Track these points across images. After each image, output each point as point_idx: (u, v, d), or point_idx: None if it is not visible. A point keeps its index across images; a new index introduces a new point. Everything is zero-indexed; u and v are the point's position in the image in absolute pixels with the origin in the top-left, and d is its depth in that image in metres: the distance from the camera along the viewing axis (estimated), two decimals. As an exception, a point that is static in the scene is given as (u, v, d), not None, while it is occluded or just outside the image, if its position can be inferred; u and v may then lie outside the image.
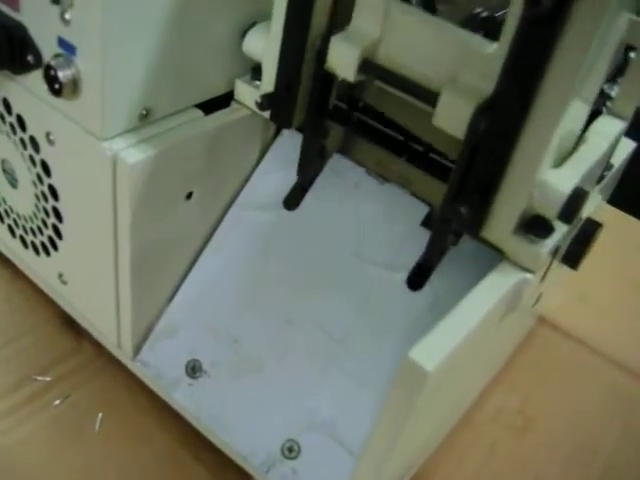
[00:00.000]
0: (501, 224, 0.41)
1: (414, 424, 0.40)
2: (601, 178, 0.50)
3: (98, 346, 0.56)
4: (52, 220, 0.52)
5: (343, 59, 0.43)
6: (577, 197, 0.39)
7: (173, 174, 0.46)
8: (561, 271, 0.57)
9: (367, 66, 0.43)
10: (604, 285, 0.73)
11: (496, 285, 0.40)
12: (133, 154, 0.44)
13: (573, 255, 0.47)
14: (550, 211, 0.39)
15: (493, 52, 0.38)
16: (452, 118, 0.39)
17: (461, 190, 0.40)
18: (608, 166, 0.51)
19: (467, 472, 0.54)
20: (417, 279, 0.47)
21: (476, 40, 0.40)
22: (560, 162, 0.41)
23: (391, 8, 0.42)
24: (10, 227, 0.58)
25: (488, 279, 0.41)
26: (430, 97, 0.41)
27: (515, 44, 0.35)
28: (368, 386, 0.47)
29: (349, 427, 0.47)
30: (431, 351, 0.36)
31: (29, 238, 0.56)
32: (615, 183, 0.57)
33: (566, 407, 0.61)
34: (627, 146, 0.56)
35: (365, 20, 0.43)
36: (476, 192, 0.40)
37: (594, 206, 0.49)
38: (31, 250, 0.56)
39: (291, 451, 0.48)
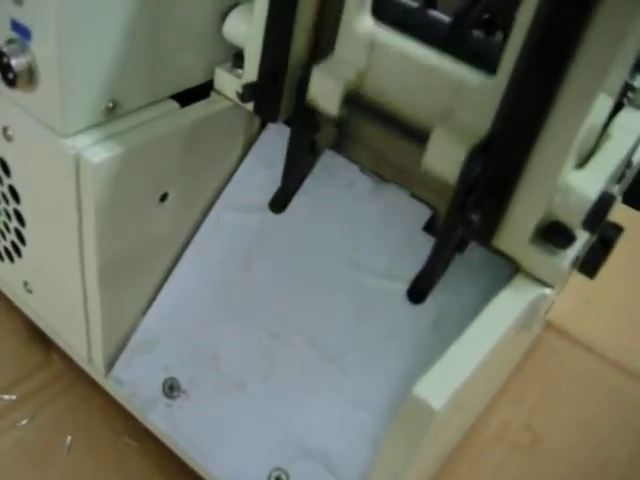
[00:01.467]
0: (516, 232, 0.35)
1: (416, 460, 0.34)
2: (622, 177, 0.44)
3: (68, 360, 0.50)
4: (14, 224, 0.46)
5: (326, 93, 0.38)
6: (603, 203, 0.34)
7: (144, 174, 0.40)
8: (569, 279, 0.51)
9: (351, 100, 0.38)
10: (612, 289, 0.67)
11: (511, 304, 0.34)
12: (98, 152, 0.38)
13: (591, 263, 0.41)
14: (573, 219, 0.33)
15: (492, 85, 0.33)
16: (443, 161, 0.34)
17: (471, 192, 0.34)
18: (629, 163, 0.45)
19: (472, 496, 0.49)
20: (419, 291, 0.41)
21: (472, 73, 0.34)
22: (582, 161, 0.35)
23: (377, 36, 0.36)
24: (-28, 230, 0.51)
25: (502, 296, 0.35)
26: (419, 135, 0.36)
27: (540, 27, 0.29)
28: (364, 409, 0.41)
29: (342, 455, 0.41)
30: (438, 387, 0.30)
31: (-9, 242, 0.50)
32: (630, 181, 0.51)
33: (574, 419, 0.55)
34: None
35: (349, 51, 0.38)
36: (489, 196, 0.34)
37: (614, 208, 0.43)
38: (-6, 255, 0.50)
39: (279, 481, 0.42)
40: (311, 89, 0.38)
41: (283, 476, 0.42)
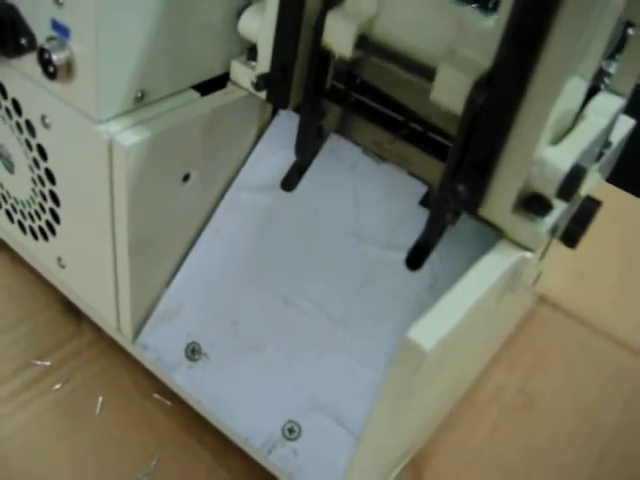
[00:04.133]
0: (499, 202, 0.40)
1: (414, 403, 0.40)
2: (600, 155, 0.50)
3: (98, 330, 0.57)
4: (49, 204, 0.52)
5: (339, 35, 0.43)
6: (576, 174, 0.39)
7: (170, 156, 0.46)
8: (561, 249, 0.57)
9: (364, 42, 0.43)
10: (605, 264, 0.73)
11: (495, 264, 0.40)
12: (129, 137, 0.43)
13: (572, 234, 0.47)
14: (548, 189, 0.39)
15: (491, 26, 0.38)
16: (450, 92, 0.39)
17: (459, 168, 0.40)
18: (607, 143, 0.51)
19: (469, 451, 0.54)
20: (416, 259, 0.47)
21: (474, 14, 0.40)
22: (558, 140, 0.41)
23: None
24: (8, 212, 0.57)
25: (487, 258, 0.40)
26: (427, 72, 0.41)
27: (514, 14, 0.35)
28: (368, 366, 0.47)
29: (349, 407, 0.47)
30: (429, 330, 0.35)
31: (27, 223, 0.56)
32: (614, 161, 0.57)
33: (566, 385, 0.61)
34: (626, 124, 0.56)
35: None
36: (474, 169, 0.39)
37: (593, 184, 0.49)
38: (29, 235, 0.56)
39: (292, 432, 0.48)
40: (326, 34, 0.43)
41: (295, 427, 0.48)
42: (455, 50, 0.40)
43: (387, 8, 0.42)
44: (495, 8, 0.38)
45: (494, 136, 0.38)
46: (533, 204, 0.41)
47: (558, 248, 0.54)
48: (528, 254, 0.41)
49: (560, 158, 0.39)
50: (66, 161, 0.48)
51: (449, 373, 0.46)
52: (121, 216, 0.46)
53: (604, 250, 0.74)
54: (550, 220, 0.41)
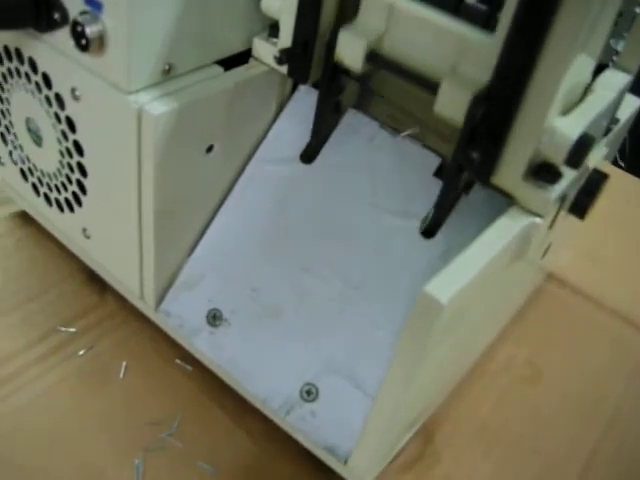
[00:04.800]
0: (511, 170, 0.43)
1: (428, 361, 0.42)
2: (607, 131, 0.52)
3: (121, 299, 0.59)
4: (76, 176, 0.54)
5: (351, 51, 0.46)
6: (584, 142, 0.42)
7: (195, 127, 0.49)
8: (568, 226, 0.59)
9: (373, 57, 0.46)
10: (612, 244, 0.76)
11: (507, 228, 0.43)
12: (157, 106, 0.46)
13: (580, 205, 0.50)
14: (558, 156, 0.42)
15: (491, 43, 0.41)
16: (451, 107, 0.42)
17: (473, 136, 0.43)
18: (614, 119, 0.53)
19: (478, 418, 0.57)
20: (430, 227, 0.50)
21: (474, 33, 0.43)
22: (568, 111, 0.44)
23: (395, 4, 0.45)
24: (34, 185, 0.60)
25: (499, 222, 0.43)
26: (432, 85, 0.44)
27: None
28: (383, 330, 0.49)
29: (366, 369, 0.50)
30: (445, 285, 0.38)
31: (53, 195, 0.58)
32: (621, 140, 0.59)
33: (574, 358, 0.64)
34: (634, 102, 0.58)
35: (371, 16, 0.46)
36: (487, 138, 0.42)
37: (601, 158, 0.52)
38: (55, 207, 0.59)
39: (309, 394, 0.51)
40: (338, 49, 0.46)
41: (313, 389, 0.51)
42: (457, 66, 0.43)
43: (394, 27, 0.46)
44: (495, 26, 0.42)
45: (506, 109, 0.41)
46: (543, 172, 0.43)
47: (566, 224, 0.57)
48: (538, 220, 0.44)
49: (569, 127, 0.41)
50: (95, 132, 0.51)
51: (462, 334, 0.48)
52: (148, 185, 0.49)
53: (611, 231, 0.77)
54: (559, 188, 0.43)
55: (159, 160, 0.48)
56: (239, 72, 0.51)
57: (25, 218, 0.66)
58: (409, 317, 0.39)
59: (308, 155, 0.53)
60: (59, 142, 0.54)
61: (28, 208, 0.64)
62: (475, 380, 0.59)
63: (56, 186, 0.57)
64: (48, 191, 0.59)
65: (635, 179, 0.85)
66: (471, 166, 0.43)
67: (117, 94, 0.47)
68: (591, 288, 0.70)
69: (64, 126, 0.53)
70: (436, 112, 0.43)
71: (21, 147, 0.59)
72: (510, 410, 0.58)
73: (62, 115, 0.52)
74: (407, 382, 0.42)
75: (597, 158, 0.50)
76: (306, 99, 0.54)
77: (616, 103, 0.50)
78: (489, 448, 0.55)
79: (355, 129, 0.53)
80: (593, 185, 0.49)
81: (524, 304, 0.67)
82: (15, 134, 0.58)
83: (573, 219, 0.55)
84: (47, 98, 0.53)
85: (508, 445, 0.56)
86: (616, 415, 0.60)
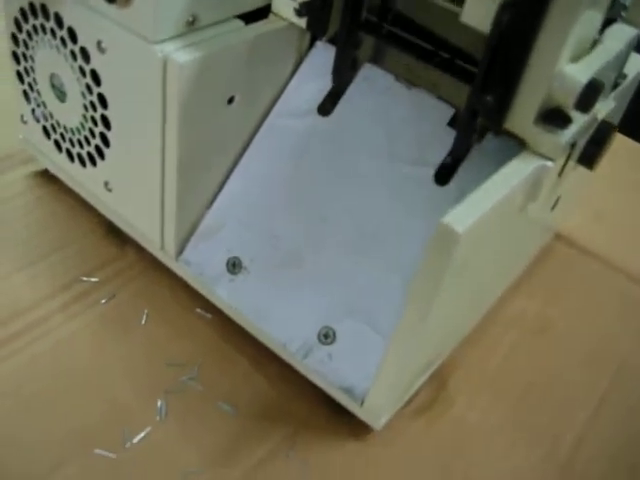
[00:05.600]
0: (523, 114, 0.46)
1: (444, 295, 0.45)
2: (615, 85, 0.55)
3: (140, 251, 0.62)
4: (100, 129, 0.57)
5: None
6: (593, 87, 0.45)
7: (217, 77, 0.52)
8: (576, 183, 0.62)
9: None
10: (618, 206, 0.80)
11: (519, 168, 0.46)
12: (182, 55, 0.49)
13: (589, 155, 0.53)
14: (568, 99, 0.45)
15: None
16: (478, 14, 0.45)
17: (487, 81, 0.46)
18: (622, 74, 0.56)
19: (490, 366, 0.60)
20: (444, 174, 0.52)
21: None
22: (577, 60, 0.47)
23: None
24: (56, 142, 0.63)
25: (512, 164, 0.46)
26: None
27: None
28: (399, 274, 0.52)
29: (382, 313, 0.53)
30: (462, 217, 0.41)
31: (75, 150, 0.61)
32: (629, 97, 0.62)
33: (582, 312, 0.67)
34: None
35: None
36: (501, 82, 0.45)
37: (609, 110, 0.54)
38: (77, 162, 0.62)
39: (327, 337, 0.54)
40: None
41: (330, 332, 0.54)
42: None
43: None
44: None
45: (519, 51, 0.44)
46: (554, 117, 0.46)
47: (574, 180, 0.59)
48: (549, 163, 0.47)
49: (579, 71, 0.44)
50: (120, 84, 0.54)
51: (476, 275, 0.51)
52: (172, 135, 0.52)
53: (619, 195, 0.80)
54: (569, 133, 0.46)
55: (183, 109, 0.51)
56: (259, 26, 0.54)
57: (45, 176, 0.69)
58: (427, 249, 0.42)
59: (325, 107, 0.56)
60: (83, 96, 0.57)
61: (49, 165, 0.67)
62: (487, 330, 0.62)
63: (79, 141, 0.60)
64: (70, 146, 0.62)
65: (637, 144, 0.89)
66: (485, 110, 0.46)
67: (143, 44, 0.50)
68: (599, 247, 0.73)
69: (89, 79, 0.55)
70: (462, 21, 0.46)
71: (44, 104, 0.62)
72: (521, 359, 0.61)
73: (87, 69, 0.55)
74: (423, 316, 0.45)
75: (606, 110, 0.53)
76: (323, 55, 0.57)
77: (624, 57, 0.52)
78: (500, 395, 0.58)
79: (371, 82, 0.55)
80: (602, 135, 0.52)
81: (534, 261, 0.70)
82: (38, 91, 0.61)
83: (581, 176, 0.59)
84: (72, 53, 0.56)
85: (519, 392, 0.59)
86: (623, 366, 0.62)
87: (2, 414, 0.51)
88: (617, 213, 0.79)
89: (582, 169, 0.54)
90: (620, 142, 0.60)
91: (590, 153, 0.53)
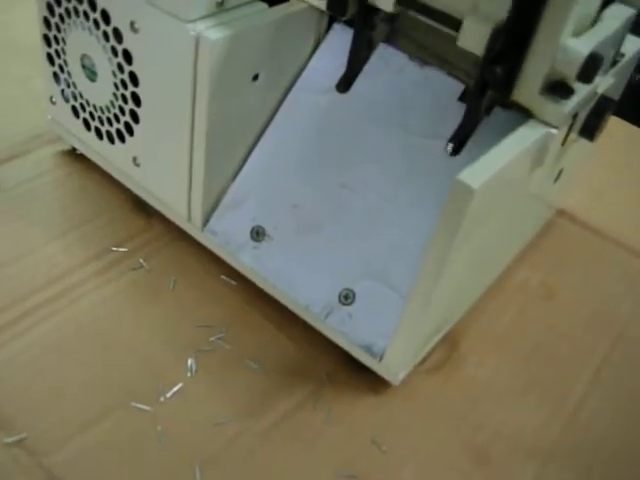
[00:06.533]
0: (529, 85, 0.51)
1: (459, 251, 0.51)
2: (614, 63, 0.61)
3: (166, 223, 0.68)
4: (130, 106, 0.62)
5: None
6: (594, 59, 0.50)
7: (244, 55, 0.57)
8: (577, 160, 0.68)
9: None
10: (616, 186, 0.86)
11: (526, 134, 0.51)
12: (214, 33, 0.54)
13: (590, 127, 0.58)
14: (571, 71, 0.50)
15: None
16: (473, 40, 0.50)
17: (496, 55, 0.51)
18: (619, 53, 0.62)
19: (498, 329, 0.66)
20: (455, 146, 0.58)
21: None
22: (579, 36, 0.52)
23: None
24: (85, 121, 0.68)
25: (520, 130, 0.51)
26: (455, 23, 0.52)
27: None
28: (415, 237, 0.58)
29: (399, 273, 0.58)
30: (476, 174, 0.46)
31: (104, 128, 0.66)
32: (627, 77, 0.68)
33: (585, 282, 0.73)
34: (636, 44, 0.67)
35: None
36: (509, 53, 0.51)
37: (608, 85, 0.60)
38: (106, 140, 0.67)
39: (347, 298, 0.59)
40: None
41: (350, 294, 0.59)
42: (477, 4, 0.51)
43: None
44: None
45: (524, 29, 0.49)
46: (557, 88, 0.52)
47: (575, 156, 0.65)
48: (554, 130, 0.52)
49: (581, 45, 0.50)
50: (152, 62, 0.59)
51: (487, 233, 0.56)
52: (201, 109, 0.57)
53: (616, 177, 0.86)
54: (572, 103, 0.52)
55: (213, 84, 0.56)
56: (282, 8, 0.59)
57: (72, 155, 0.74)
58: (444, 205, 0.48)
59: (343, 85, 0.61)
60: (114, 75, 0.62)
61: (77, 144, 0.72)
62: (494, 297, 0.68)
63: (108, 119, 0.65)
64: (99, 124, 0.67)
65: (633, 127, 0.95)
66: (495, 80, 0.52)
67: (176, 23, 0.55)
68: (600, 223, 0.79)
69: (120, 59, 0.61)
70: (460, 45, 0.51)
71: (74, 84, 0.67)
72: (527, 323, 0.67)
73: (119, 48, 0.60)
74: (439, 271, 0.50)
75: (605, 85, 0.58)
76: (341, 36, 0.62)
77: (621, 35, 0.58)
78: (509, 354, 0.64)
79: (386, 61, 0.61)
80: (601, 108, 0.58)
81: (537, 235, 0.75)
82: (69, 72, 0.67)
83: (581, 153, 0.64)
84: (105, 34, 0.61)
85: (526, 352, 0.64)
86: (624, 330, 0.68)
87: (47, 367, 0.56)
88: (615, 193, 0.85)
89: (582, 146, 0.60)
90: (617, 125, 0.66)
91: (591, 125, 0.58)
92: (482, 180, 0.46)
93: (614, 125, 0.58)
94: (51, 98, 0.71)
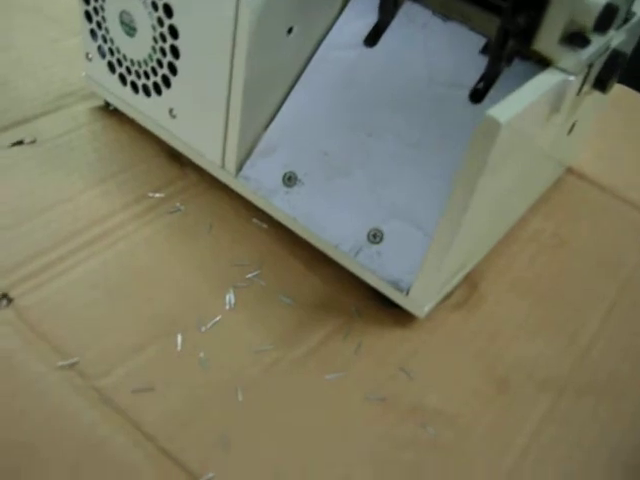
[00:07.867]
0: (549, 36, 0.58)
1: (483, 190, 0.57)
2: (625, 21, 0.67)
3: (200, 173, 0.74)
4: (168, 58, 0.68)
5: None
6: (610, 9, 0.56)
7: (280, 9, 0.63)
8: (588, 114, 0.74)
9: None
10: (625, 147, 0.93)
11: (546, 79, 0.57)
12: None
13: (603, 79, 0.65)
14: (588, 20, 0.56)
15: None
16: None
17: (518, 5, 0.57)
18: (630, 12, 0.68)
19: (514, 272, 0.73)
20: (478, 94, 0.64)
21: None
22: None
23: None
24: (121, 76, 0.74)
25: (540, 76, 0.58)
26: None
27: None
28: (440, 179, 0.64)
29: (425, 213, 0.64)
30: (503, 111, 0.53)
31: (141, 82, 0.72)
32: (636, 38, 0.74)
33: (593, 233, 0.80)
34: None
35: None
36: (530, 6, 0.57)
37: (620, 41, 0.66)
38: (141, 94, 0.73)
39: (375, 237, 0.65)
40: None
41: (378, 233, 0.65)
42: None
43: None
44: None
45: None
46: (575, 39, 0.58)
47: (588, 111, 0.71)
48: (571, 77, 0.58)
49: (597, -3, 0.56)
50: (192, 16, 0.65)
51: (507, 176, 0.62)
52: (240, 60, 0.63)
53: (622, 138, 0.93)
54: (588, 52, 0.58)
55: (251, 36, 0.62)
56: (314, -34, 0.66)
57: (105, 111, 0.81)
58: (472, 141, 0.54)
59: (371, 40, 0.68)
60: (154, 29, 0.68)
61: (111, 99, 0.78)
62: (510, 244, 0.75)
63: (145, 72, 0.71)
64: (136, 78, 0.73)
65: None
66: (516, 30, 0.58)
67: (219, -23, 0.61)
68: (607, 181, 0.86)
69: (161, 13, 0.66)
70: None
71: (112, 40, 0.73)
72: (541, 268, 0.74)
73: (160, 3, 0.66)
74: (466, 204, 0.56)
75: (618, 40, 0.65)
76: (368, -5, 0.69)
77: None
78: (525, 294, 0.71)
79: (410, 17, 0.67)
80: (614, 61, 0.64)
81: (549, 190, 0.82)
82: (107, 28, 0.72)
83: (592, 108, 0.70)
84: (146, -11, 0.67)
85: (540, 293, 0.71)
86: (633, 276, 0.75)
87: (94, 301, 0.63)
88: (622, 153, 0.93)
89: (594, 102, 0.66)
90: (621, 91, 0.72)
91: (604, 77, 0.64)
92: (509, 116, 0.52)
93: (618, 91, 0.64)
94: (87, 54, 0.76)
